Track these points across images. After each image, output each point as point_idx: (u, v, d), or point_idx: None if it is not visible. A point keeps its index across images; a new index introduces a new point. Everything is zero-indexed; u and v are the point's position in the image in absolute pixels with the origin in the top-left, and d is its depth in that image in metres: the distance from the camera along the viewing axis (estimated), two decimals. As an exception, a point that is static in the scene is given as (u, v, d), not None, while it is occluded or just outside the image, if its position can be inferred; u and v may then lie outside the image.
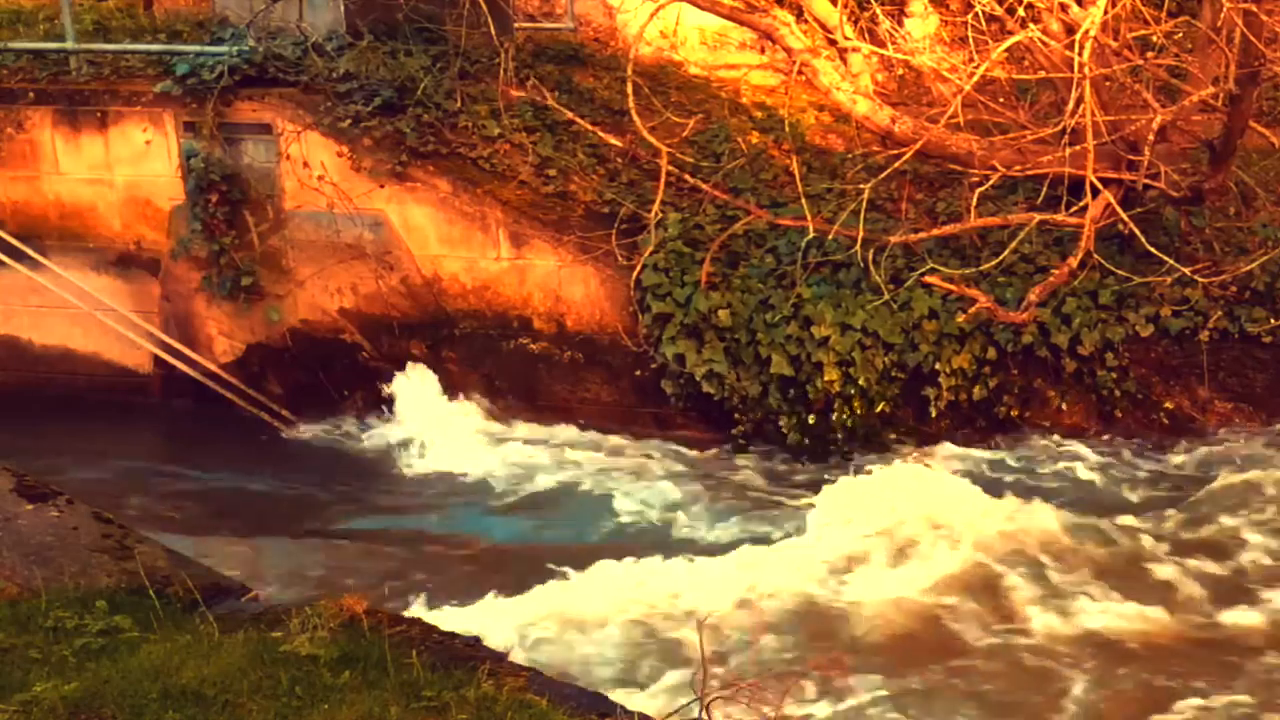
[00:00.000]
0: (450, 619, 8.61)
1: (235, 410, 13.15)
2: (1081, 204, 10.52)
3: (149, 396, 13.63)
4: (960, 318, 11.06)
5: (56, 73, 13.51)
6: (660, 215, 11.77)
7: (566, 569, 10.19)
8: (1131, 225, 10.44)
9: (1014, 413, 11.54)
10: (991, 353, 11.36)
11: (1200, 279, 10.93)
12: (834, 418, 11.49)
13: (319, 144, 12.75)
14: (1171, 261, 10.59)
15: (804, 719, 8.10)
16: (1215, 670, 8.79)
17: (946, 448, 11.52)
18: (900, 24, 12.88)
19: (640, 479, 11.68)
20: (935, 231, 11.39)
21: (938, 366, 11.38)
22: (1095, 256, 10.83)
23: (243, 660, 5.99)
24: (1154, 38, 11.09)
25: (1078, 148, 10.31)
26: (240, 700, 5.72)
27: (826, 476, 11.24)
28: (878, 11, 11.64)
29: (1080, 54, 9.92)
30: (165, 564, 7.05)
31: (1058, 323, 11.26)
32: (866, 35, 11.88)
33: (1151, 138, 10.64)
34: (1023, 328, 11.16)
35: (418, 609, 9.41)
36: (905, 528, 10.30)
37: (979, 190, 10.79)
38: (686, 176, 11.98)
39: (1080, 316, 11.26)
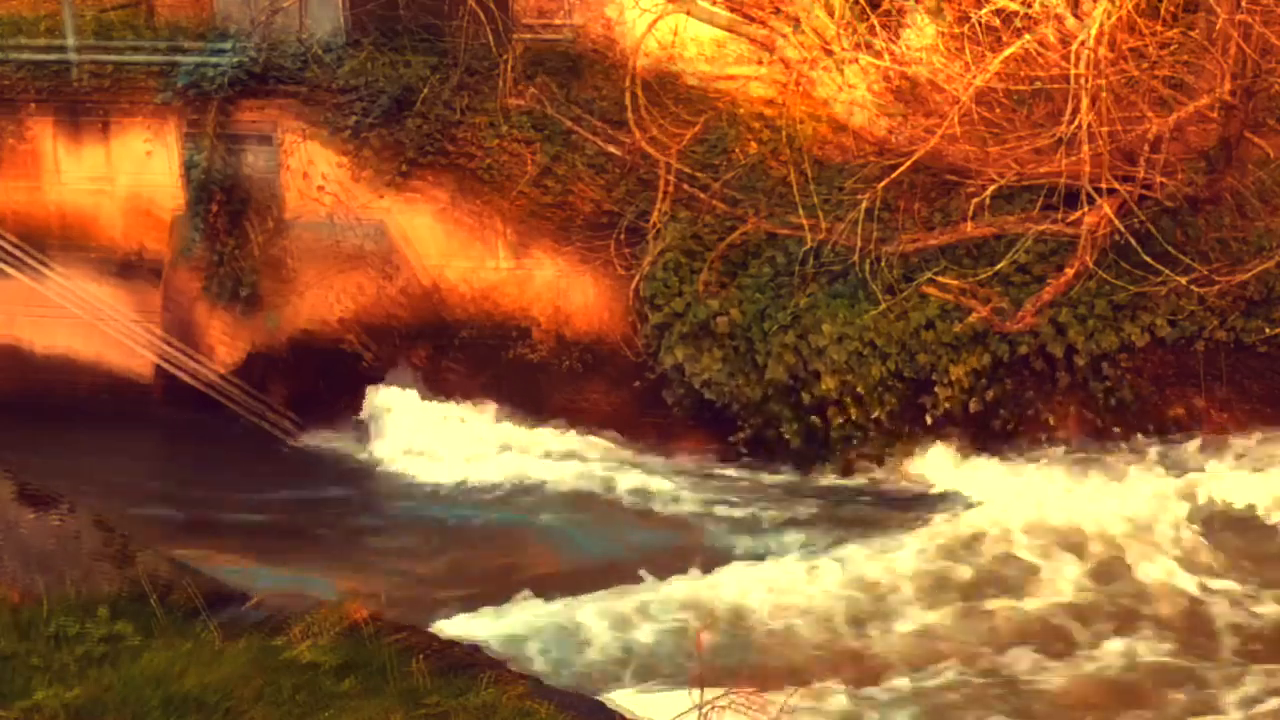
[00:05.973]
0: (451, 626, 8.62)
1: (237, 417, 13.15)
2: (1079, 213, 10.52)
3: (150, 404, 13.62)
4: (958, 327, 11.05)
5: (58, 81, 13.52)
6: (659, 225, 11.78)
7: (565, 576, 10.20)
8: (1128, 235, 10.44)
9: (1010, 424, 11.53)
10: (989, 361, 11.35)
11: (1196, 288, 10.91)
12: (833, 425, 11.50)
13: (320, 152, 12.78)
14: (1167, 271, 10.58)
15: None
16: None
17: (945, 453, 11.54)
18: (898, 35, 12.88)
19: (639, 487, 11.69)
20: (933, 241, 11.38)
21: (935, 376, 11.37)
22: (1092, 266, 10.82)
23: (245, 667, 5.99)
24: (1150, 49, 11.08)
25: (1075, 157, 10.31)
26: (242, 707, 5.73)
27: (831, 486, 11.27)
28: (875, 23, 11.63)
29: (1076, 65, 9.93)
30: (167, 571, 7.04)
31: (1053, 332, 11.25)
32: (864, 46, 11.86)
33: (1148, 148, 10.64)
34: (1021, 337, 11.14)
35: (418, 616, 9.40)
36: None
37: (976, 200, 10.77)
38: (685, 186, 11.98)
39: (1076, 326, 11.25)
